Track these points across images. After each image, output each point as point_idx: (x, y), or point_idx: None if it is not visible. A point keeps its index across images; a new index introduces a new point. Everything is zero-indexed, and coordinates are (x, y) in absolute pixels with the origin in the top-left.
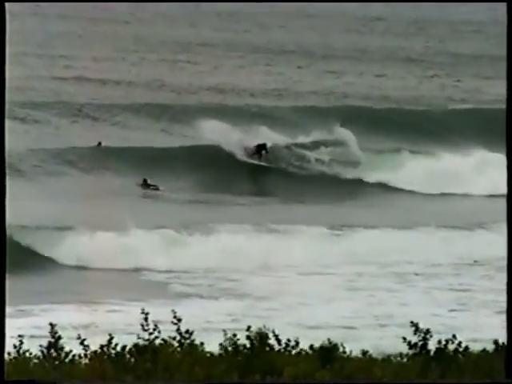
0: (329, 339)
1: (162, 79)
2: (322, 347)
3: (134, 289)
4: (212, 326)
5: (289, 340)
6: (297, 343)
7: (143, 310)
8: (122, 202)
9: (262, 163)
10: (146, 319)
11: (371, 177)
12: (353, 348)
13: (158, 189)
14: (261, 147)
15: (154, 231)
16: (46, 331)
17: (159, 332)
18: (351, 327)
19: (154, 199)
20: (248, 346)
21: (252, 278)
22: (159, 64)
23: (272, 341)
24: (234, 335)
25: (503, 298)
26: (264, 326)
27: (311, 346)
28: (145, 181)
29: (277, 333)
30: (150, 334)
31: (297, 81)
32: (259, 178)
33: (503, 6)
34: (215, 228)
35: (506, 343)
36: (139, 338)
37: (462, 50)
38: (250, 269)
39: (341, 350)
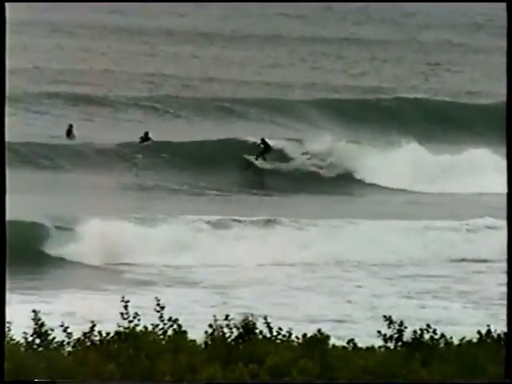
0: (319, 329)
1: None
2: (305, 336)
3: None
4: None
5: (271, 328)
6: (279, 333)
7: (123, 297)
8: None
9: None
10: (125, 307)
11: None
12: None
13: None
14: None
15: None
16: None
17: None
18: (321, 319)
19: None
20: (229, 334)
21: (207, 268)
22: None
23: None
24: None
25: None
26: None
27: (290, 335)
28: (146, 134)
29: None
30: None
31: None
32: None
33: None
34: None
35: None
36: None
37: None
38: (203, 260)
39: (324, 339)
